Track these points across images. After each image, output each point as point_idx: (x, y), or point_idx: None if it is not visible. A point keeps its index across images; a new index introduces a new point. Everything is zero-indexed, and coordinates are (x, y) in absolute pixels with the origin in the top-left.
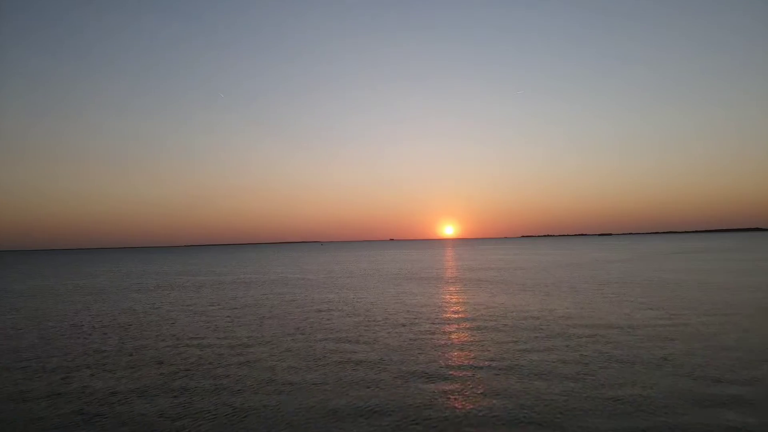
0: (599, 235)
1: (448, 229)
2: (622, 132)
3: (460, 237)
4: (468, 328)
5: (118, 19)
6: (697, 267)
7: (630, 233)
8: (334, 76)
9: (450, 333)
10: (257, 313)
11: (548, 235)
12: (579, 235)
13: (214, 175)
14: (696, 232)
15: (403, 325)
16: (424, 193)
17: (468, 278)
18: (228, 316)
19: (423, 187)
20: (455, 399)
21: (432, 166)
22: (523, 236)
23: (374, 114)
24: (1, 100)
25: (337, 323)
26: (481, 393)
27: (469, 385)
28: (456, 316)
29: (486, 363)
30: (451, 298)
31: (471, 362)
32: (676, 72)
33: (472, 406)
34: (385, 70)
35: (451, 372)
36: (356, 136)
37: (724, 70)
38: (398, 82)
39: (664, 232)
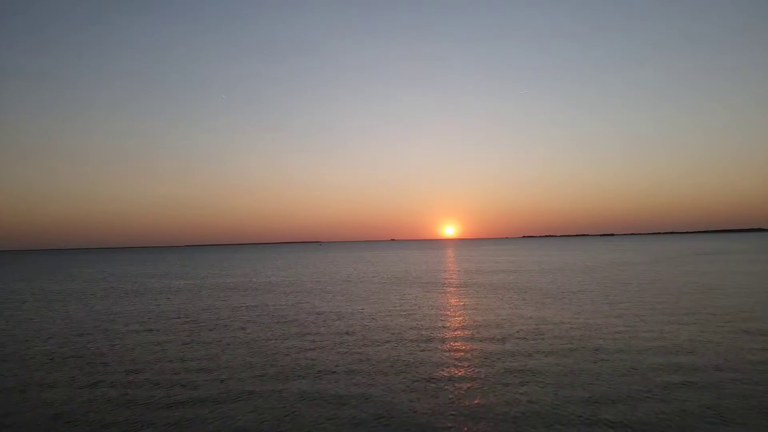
0: (601, 235)
1: (449, 230)
2: (623, 132)
3: (461, 237)
4: (501, 360)
5: (118, 19)
6: (729, 269)
7: (632, 234)
8: (334, 76)
9: (481, 371)
10: (223, 332)
11: (549, 236)
12: (580, 235)
13: (214, 175)
14: (698, 232)
15: (414, 360)
16: (425, 193)
17: (481, 284)
18: (186, 335)
19: (424, 187)
20: None
21: (433, 166)
22: (524, 236)
23: (375, 114)
24: (2, 100)
25: (325, 354)
26: None
27: None
28: (481, 338)
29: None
30: (469, 312)
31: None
32: (676, 72)
33: None
34: (386, 71)
35: None
36: (357, 136)
37: (725, 69)
38: (399, 83)
39: (665, 233)
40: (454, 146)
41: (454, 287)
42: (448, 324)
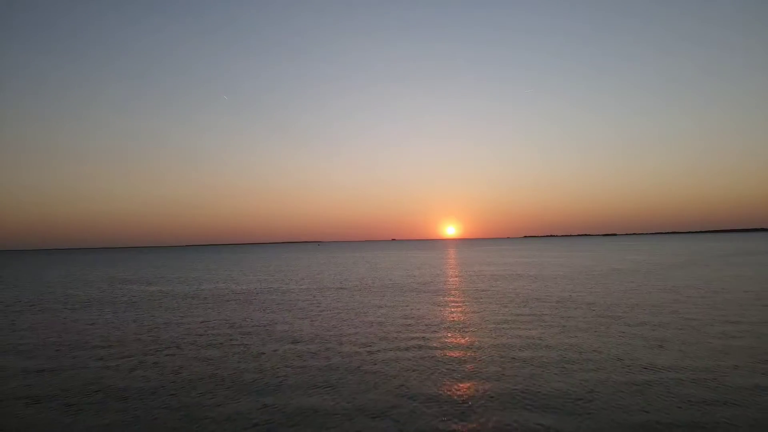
0: (603, 235)
1: (450, 230)
2: (625, 132)
3: (462, 237)
4: None
5: (120, 19)
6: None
7: (633, 234)
8: (335, 76)
9: None
10: (142, 372)
11: (551, 236)
12: (583, 235)
13: (215, 174)
14: (699, 232)
15: None
16: (426, 193)
17: (502, 292)
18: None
19: (425, 187)
20: None
21: (434, 165)
22: (525, 236)
23: (377, 114)
24: (2, 100)
25: None
26: None
27: None
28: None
29: None
30: (505, 339)
31: None
32: (676, 72)
33: None
34: (387, 71)
35: None
36: (358, 136)
37: (725, 69)
38: (400, 83)
39: (667, 233)
40: (455, 146)
41: (474, 300)
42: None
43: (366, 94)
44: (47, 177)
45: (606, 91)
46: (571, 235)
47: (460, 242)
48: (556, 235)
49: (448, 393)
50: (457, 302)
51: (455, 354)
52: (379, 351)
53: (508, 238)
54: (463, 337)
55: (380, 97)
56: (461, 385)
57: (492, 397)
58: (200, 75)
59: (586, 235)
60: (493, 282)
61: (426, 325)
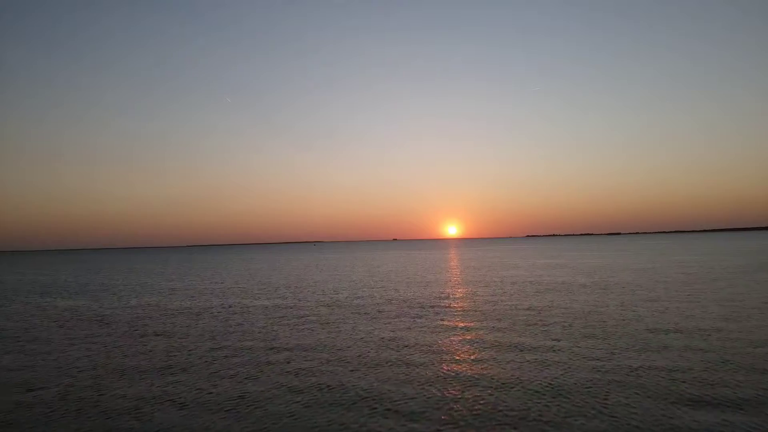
0: (608, 234)
1: (452, 229)
2: (626, 132)
3: (464, 237)
4: None
5: (123, 19)
6: None
7: (637, 233)
8: (337, 76)
9: None
10: None
11: (553, 235)
12: (586, 234)
13: (218, 175)
14: (703, 231)
15: None
16: (427, 192)
17: (594, 318)
18: None
19: (426, 187)
20: None
21: (436, 165)
22: (527, 236)
23: (378, 114)
24: (5, 100)
25: None
26: None
27: None
28: None
29: None
30: None
31: None
32: (676, 71)
33: None
34: (388, 71)
35: None
36: (360, 136)
37: (727, 69)
38: (402, 83)
39: (670, 232)
40: (456, 145)
41: (571, 336)
42: None
43: (368, 94)
44: (51, 178)
45: (607, 90)
46: (574, 235)
47: (464, 242)
48: (559, 235)
49: None
50: (529, 344)
51: None
52: None
53: (511, 237)
54: None
55: (382, 98)
56: None
57: None
58: (202, 76)
59: (589, 234)
60: (545, 296)
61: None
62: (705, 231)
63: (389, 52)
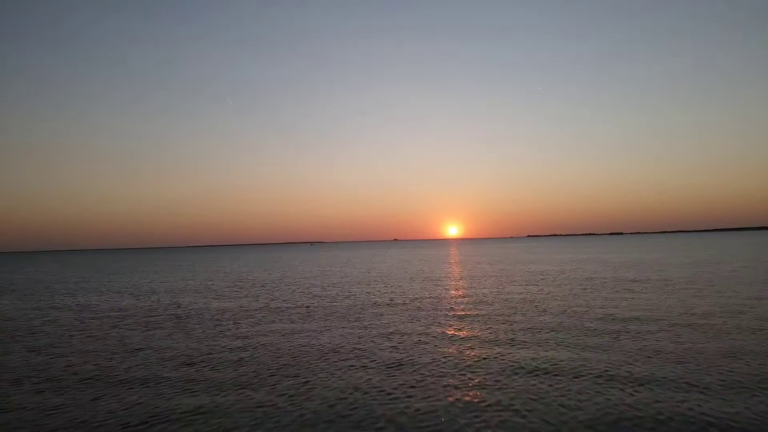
0: (609, 234)
1: (452, 229)
2: (627, 132)
3: (465, 237)
4: None
5: (125, 21)
6: None
7: (639, 233)
8: (338, 77)
9: None
10: None
11: (554, 235)
12: (588, 234)
13: (220, 176)
14: (705, 231)
15: None
16: (428, 193)
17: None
18: None
19: (427, 188)
20: None
21: (437, 166)
22: (528, 236)
23: (379, 115)
24: (7, 101)
25: None
26: None
27: None
28: None
29: None
30: None
31: None
32: (677, 72)
33: None
34: (389, 72)
35: None
36: (361, 137)
37: (728, 69)
38: (402, 84)
39: (672, 232)
40: (457, 146)
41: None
42: None
43: (369, 95)
44: (53, 178)
45: (607, 90)
46: (575, 234)
47: (466, 242)
48: (559, 235)
49: None
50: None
51: None
52: None
53: (512, 237)
54: None
55: (383, 99)
56: None
57: None
58: (204, 78)
59: (590, 234)
60: (614, 295)
61: None
62: (706, 231)
63: (390, 53)
